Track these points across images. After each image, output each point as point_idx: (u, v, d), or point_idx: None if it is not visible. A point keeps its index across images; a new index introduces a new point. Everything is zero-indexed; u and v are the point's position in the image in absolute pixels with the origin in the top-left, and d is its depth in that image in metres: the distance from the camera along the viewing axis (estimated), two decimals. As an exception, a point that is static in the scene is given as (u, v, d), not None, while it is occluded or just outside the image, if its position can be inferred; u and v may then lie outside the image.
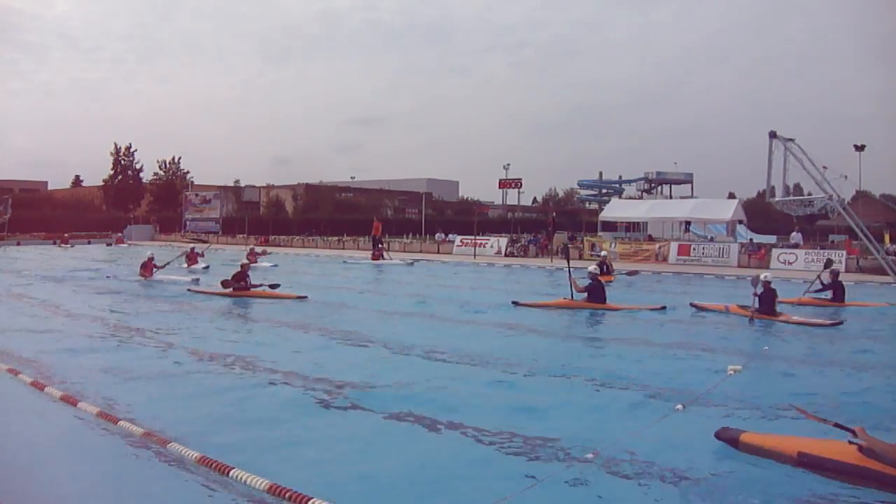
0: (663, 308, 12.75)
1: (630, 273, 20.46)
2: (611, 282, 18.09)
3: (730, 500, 4.18)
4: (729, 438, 4.89)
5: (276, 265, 23.18)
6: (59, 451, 5.08)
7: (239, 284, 14.28)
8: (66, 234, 40.96)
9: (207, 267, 21.06)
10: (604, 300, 12.91)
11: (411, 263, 25.56)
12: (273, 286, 14.72)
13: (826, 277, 14.04)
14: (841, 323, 11.33)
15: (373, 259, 26.39)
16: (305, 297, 14.03)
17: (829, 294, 13.75)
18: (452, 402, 6.22)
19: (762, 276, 11.66)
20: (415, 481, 4.53)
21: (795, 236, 29.01)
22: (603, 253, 22.28)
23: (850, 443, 4.36)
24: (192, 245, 25.74)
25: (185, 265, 21.04)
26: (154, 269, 17.63)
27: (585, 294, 12.87)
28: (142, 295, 15.06)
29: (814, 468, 4.41)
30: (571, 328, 11.23)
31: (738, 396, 6.59)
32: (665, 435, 5.37)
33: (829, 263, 15.28)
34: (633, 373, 7.63)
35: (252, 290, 14.34)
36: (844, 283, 14.07)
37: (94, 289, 16.16)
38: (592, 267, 13.76)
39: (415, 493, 4.36)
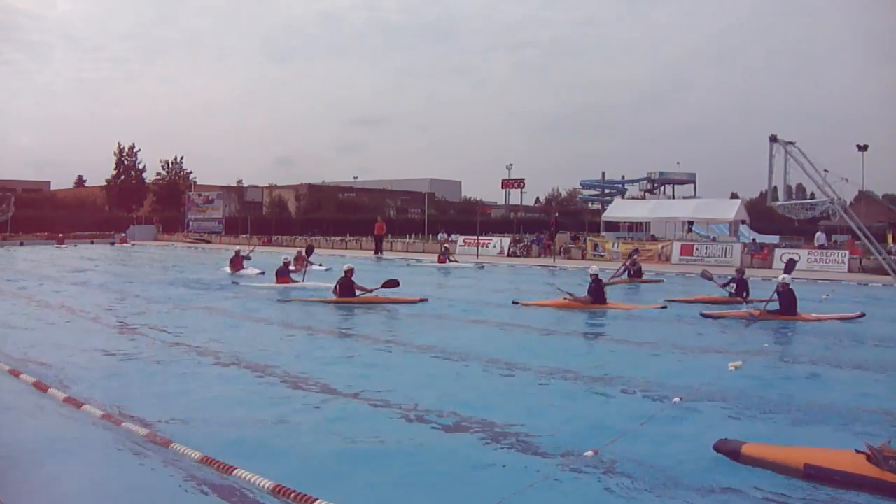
0: (664, 307, 12.71)
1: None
2: (640, 283, 17.92)
3: (729, 497, 4.18)
4: (729, 451, 4.67)
5: (329, 268, 20.94)
6: (61, 451, 5.09)
7: (350, 293, 13.22)
8: (61, 235, 40.97)
9: (329, 269, 20.20)
10: (604, 300, 12.93)
11: (482, 267, 24.08)
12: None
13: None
14: (863, 315, 11.39)
15: (376, 254, 25.65)
16: (426, 299, 13.53)
17: (732, 288, 13.74)
18: (451, 402, 6.22)
19: (781, 278, 11.65)
20: (415, 480, 4.54)
21: (820, 237, 28.97)
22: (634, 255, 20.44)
23: (859, 452, 4.23)
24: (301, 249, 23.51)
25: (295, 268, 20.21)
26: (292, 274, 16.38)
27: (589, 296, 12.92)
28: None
29: (822, 481, 4.24)
30: (572, 327, 11.22)
31: (739, 392, 6.61)
32: (665, 432, 5.40)
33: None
34: (632, 371, 7.64)
35: (362, 296, 13.27)
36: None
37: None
38: (593, 267, 13.77)
39: (415, 492, 4.38)
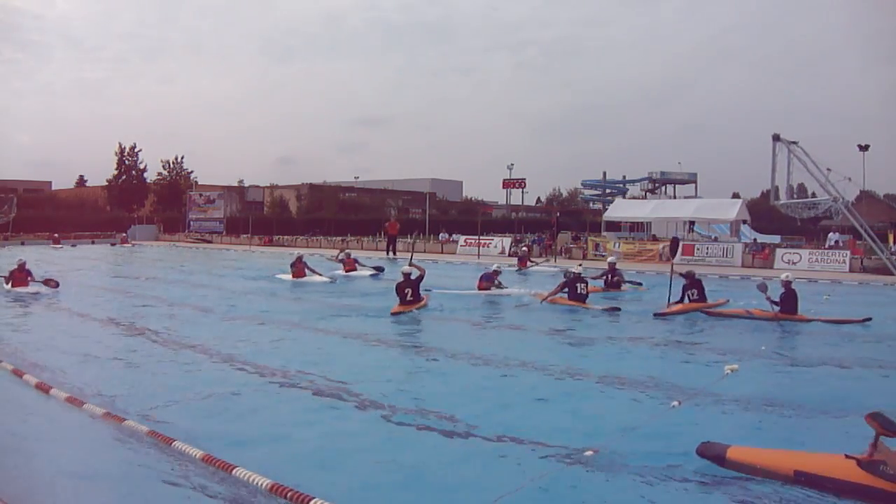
0: (617, 309, 12.40)
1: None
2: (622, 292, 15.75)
3: (728, 497, 4.19)
4: (713, 455, 4.52)
5: (382, 269, 19.71)
6: (63, 450, 5.11)
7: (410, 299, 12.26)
8: (56, 235, 40.97)
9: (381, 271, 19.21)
10: (583, 299, 12.98)
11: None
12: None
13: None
14: (869, 319, 11.20)
15: (392, 255, 24.35)
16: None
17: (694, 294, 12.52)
18: (451, 401, 6.24)
19: (783, 276, 11.59)
20: (415, 480, 4.55)
21: (832, 237, 29.06)
22: (611, 259, 17.85)
23: (849, 457, 4.16)
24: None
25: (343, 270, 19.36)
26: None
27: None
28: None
29: (812, 487, 4.17)
30: (571, 327, 11.18)
31: (737, 395, 6.61)
32: (663, 432, 5.42)
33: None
34: (629, 371, 7.66)
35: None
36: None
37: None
38: (578, 267, 13.88)
39: (415, 491, 4.38)
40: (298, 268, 17.79)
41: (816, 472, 4.22)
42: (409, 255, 14.19)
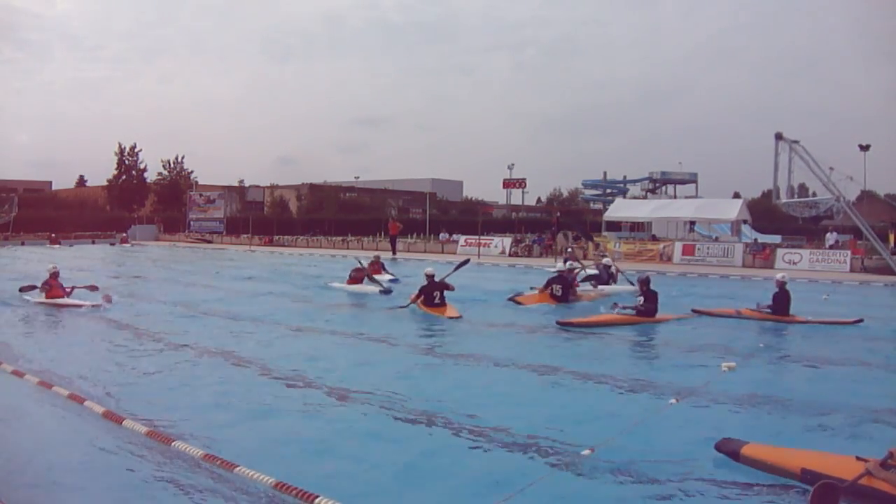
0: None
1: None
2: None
3: (725, 497, 4.20)
4: (730, 451, 4.71)
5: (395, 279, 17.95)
6: (63, 450, 5.11)
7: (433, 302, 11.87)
8: (53, 234, 40.93)
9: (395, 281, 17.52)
10: (555, 300, 13.07)
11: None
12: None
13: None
14: (861, 321, 11.10)
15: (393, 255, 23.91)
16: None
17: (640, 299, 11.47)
18: (452, 402, 6.24)
19: (778, 276, 11.66)
20: (416, 480, 4.56)
21: (830, 237, 29.13)
22: (605, 260, 17.31)
23: (860, 459, 4.16)
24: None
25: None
26: None
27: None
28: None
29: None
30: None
31: (734, 393, 6.64)
32: (660, 431, 5.46)
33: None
34: (627, 370, 7.70)
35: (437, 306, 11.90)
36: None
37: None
38: (561, 266, 13.90)
39: (417, 492, 4.39)
40: (357, 275, 16.17)
41: (823, 471, 4.21)
42: (451, 271, 12.89)
